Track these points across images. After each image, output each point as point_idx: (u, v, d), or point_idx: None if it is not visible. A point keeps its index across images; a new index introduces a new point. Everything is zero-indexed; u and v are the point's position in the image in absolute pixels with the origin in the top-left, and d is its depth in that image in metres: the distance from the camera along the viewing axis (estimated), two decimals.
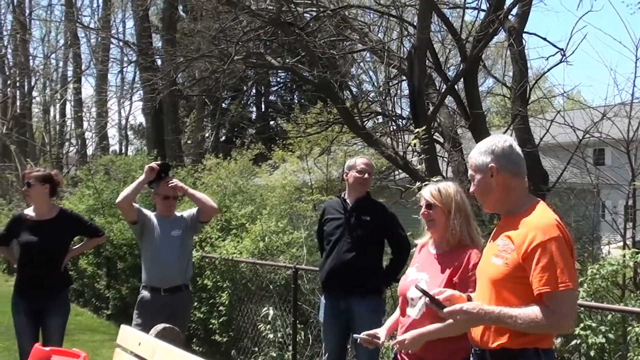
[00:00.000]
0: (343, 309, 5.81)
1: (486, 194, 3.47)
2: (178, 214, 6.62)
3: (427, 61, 10.58)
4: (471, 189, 3.54)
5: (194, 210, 6.67)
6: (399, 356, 4.11)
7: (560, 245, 3.17)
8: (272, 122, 32.81)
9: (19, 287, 6.49)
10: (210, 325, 9.07)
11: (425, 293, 3.45)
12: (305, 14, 12.22)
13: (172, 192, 6.47)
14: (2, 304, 12.78)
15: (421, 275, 4.07)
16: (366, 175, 5.93)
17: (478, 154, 3.47)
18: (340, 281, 5.83)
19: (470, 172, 3.53)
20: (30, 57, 33.02)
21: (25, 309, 6.32)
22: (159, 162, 6.71)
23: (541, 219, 3.28)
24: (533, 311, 3.15)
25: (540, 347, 3.30)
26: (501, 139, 3.50)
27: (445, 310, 3.30)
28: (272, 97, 36.23)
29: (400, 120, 13.08)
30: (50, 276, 6.38)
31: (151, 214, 6.56)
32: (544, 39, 11.19)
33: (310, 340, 7.66)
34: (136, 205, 6.53)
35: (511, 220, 3.38)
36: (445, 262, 4.02)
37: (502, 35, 11.65)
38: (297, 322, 7.58)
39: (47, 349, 3.51)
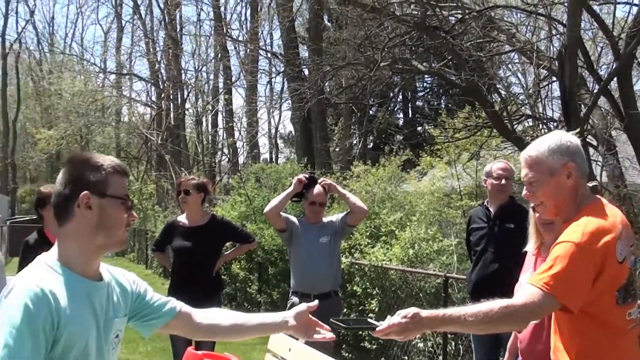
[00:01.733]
0: None
1: (555, 197, 3.12)
2: (326, 219, 6.63)
3: (578, 60, 10.20)
4: (525, 193, 3.19)
5: (342, 214, 6.68)
6: None
7: (574, 252, 2.84)
8: (419, 128, 32.57)
9: (172, 291, 6.67)
10: (360, 333, 9.05)
11: (341, 326, 3.18)
12: (450, 17, 12.05)
13: (319, 198, 6.49)
14: None
15: None
16: (504, 181, 5.74)
17: (548, 152, 3.08)
18: (487, 293, 5.67)
19: (530, 173, 3.13)
20: (183, 71, 34.28)
21: None
22: (306, 175, 6.76)
23: (578, 223, 2.95)
24: (489, 305, 2.86)
25: None
26: (568, 135, 3.17)
27: (377, 329, 2.96)
28: (419, 103, 35.96)
29: (551, 123, 12.66)
30: (203, 280, 6.52)
31: (299, 221, 6.62)
32: None
33: (461, 351, 7.51)
34: (284, 214, 6.61)
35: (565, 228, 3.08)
36: None
37: None
38: (448, 332, 7.45)
39: (200, 352, 3.56)
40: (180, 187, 6.69)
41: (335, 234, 6.49)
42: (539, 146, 3.14)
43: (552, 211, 3.20)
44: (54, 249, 2.41)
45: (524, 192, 3.21)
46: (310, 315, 2.96)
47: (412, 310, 2.89)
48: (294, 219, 6.69)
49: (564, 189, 3.09)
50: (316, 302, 3.03)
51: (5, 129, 64.39)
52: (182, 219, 6.74)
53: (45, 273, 2.31)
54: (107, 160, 2.47)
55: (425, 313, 2.89)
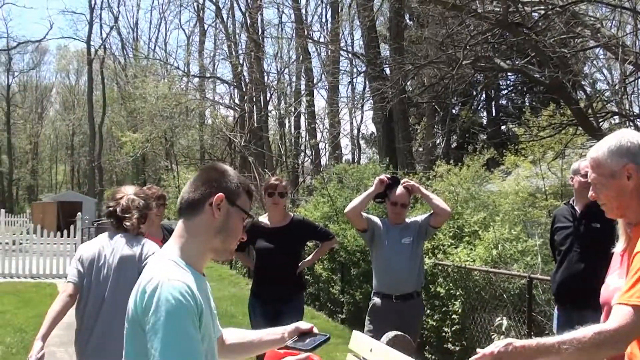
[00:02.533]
0: (577, 322, 5.51)
1: (617, 199, 3.03)
2: (409, 220, 6.61)
3: None
4: (591, 194, 3.11)
5: (425, 215, 6.65)
6: None
7: None
8: (503, 127, 32.14)
9: (255, 291, 6.74)
10: (443, 334, 8.99)
11: (295, 348, 3.06)
12: (533, 13, 11.86)
13: (401, 199, 6.47)
14: (244, 306, 13.51)
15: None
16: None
17: (608, 154, 2.99)
18: (572, 294, 5.55)
19: (593, 175, 3.05)
20: (265, 73, 34.55)
21: (261, 311, 6.55)
22: (388, 175, 6.74)
23: None
24: (582, 332, 2.74)
25: None
26: (631, 134, 3.03)
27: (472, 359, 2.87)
28: (502, 101, 35.50)
29: (638, 120, 12.35)
30: (285, 280, 6.56)
31: (382, 222, 6.61)
32: None
33: None
34: (365, 214, 6.60)
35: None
36: None
37: None
38: (532, 333, 7.32)
39: (282, 351, 3.58)
40: (276, 190, 6.73)
41: (418, 235, 6.46)
42: (601, 147, 3.06)
43: (615, 212, 3.13)
44: (172, 246, 2.54)
45: (590, 192, 3.15)
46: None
47: (506, 340, 2.85)
48: (376, 219, 6.68)
49: (626, 191, 3.00)
50: (309, 325, 3.00)
51: (92, 132, 66.24)
52: (264, 219, 6.78)
53: (177, 269, 2.42)
54: (242, 178, 2.69)
55: (519, 343, 2.83)
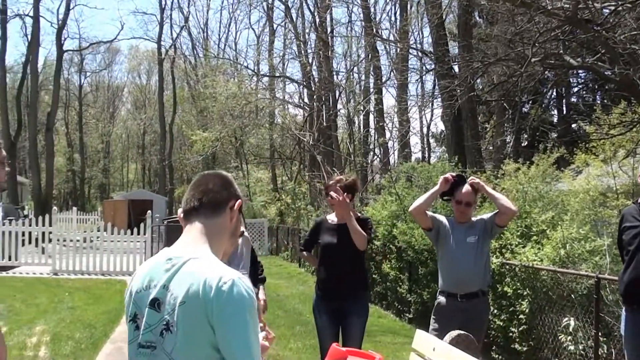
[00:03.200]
0: None
1: None
2: (475, 219, 6.60)
3: None
4: None
5: (491, 214, 6.62)
6: None
7: None
8: (574, 125, 31.62)
9: (319, 288, 6.73)
10: (510, 334, 8.94)
11: None
12: (603, 9, 11.68)
13: (465, 197, 6.46)
14: (311, 305, 13.62)
15: None
16: None
17: None
18: (639, 294, 5.47)
19: None
20: (334, 72, 34.62)
21: (325, 309, 6.49)
22: (454, 174, 6.73)
23: None
24: None
25: None
26: None
27: None
28: (573, 99, 34.94)
29: None
30: (349, 278, 6.48)
31: (448, 220, 6.62)
32: None
33: (614, 354, 7.28)
34: (430, 213, 6.61)
35: None
36: None
37: None
38: (600, 334, 7.24)
39: (344, 349, 3.66)
40: (353, 187, 6.70)
41: (484, 234, 6.44)
42: None
43: None
44: (202, 244, 2.61)
45: None
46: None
47: None
48: (441, 218, 6.68)
49: None
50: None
51: (162, 131, 67.27)
52: (332, 217, 6.78)
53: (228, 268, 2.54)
54: None
55: None
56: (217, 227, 2.66)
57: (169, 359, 2.42)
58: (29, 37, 55.17)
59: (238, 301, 2.37)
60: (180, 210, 2.77)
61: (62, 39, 55.76)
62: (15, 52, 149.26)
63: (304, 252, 7.22)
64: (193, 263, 2.49)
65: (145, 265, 2.66)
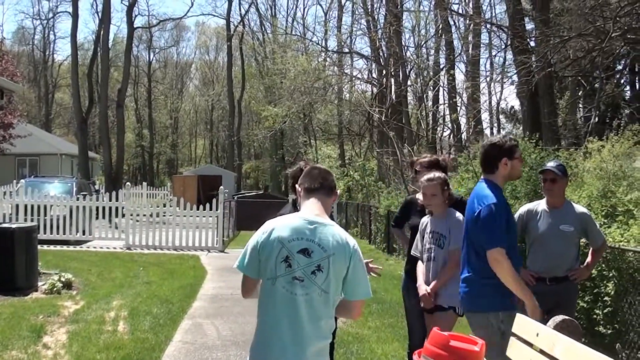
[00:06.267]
0: None
1: None
2: (574, 208, 6.54)
3: None
4: None
5: (596, 226, 6.65)
6: None
7: None
8: None
9: (409, 270, 6.61)
10: (594, 316, 8.70)
11: None
12: None
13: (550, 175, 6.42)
14: (385, 281, 13.50)
15: None
16: None
17: None
18: None
19: None
20: (404, 48, 34.22)
21: (415, 293, 6.30)
22: None
23: None
24: None
25: None
26: None
27: None
28: None
29: None
30: None
31: (540, 204, 6.49)
32: None
33: None
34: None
35: None
36: None
37: None
38: None
39: (446, 333, 3.57)
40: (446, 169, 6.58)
41: (580, 232, 6.47)
42: None
43: None
44: (324, 214, 3.78)
45: None
46: None
47: None
48: (524, 209, 6.72)
49: None
50: None
51: (231, 107, 67.74)
52: (420, 196, 6.62)
53: None
54: None
55: None
56: (328, 204, 3.87)
57: (320, 289, 3.55)
58: (100, 14, 56.00)
59: (360, 255, 3.68)
60: (299, 187, 3.96)
61: (133, 16, 56.37)
62: (85, 29, 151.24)
63: (396, 229, 7.14)
64: (332, 228, 3.67)
65: (283, 222, 3.67)
